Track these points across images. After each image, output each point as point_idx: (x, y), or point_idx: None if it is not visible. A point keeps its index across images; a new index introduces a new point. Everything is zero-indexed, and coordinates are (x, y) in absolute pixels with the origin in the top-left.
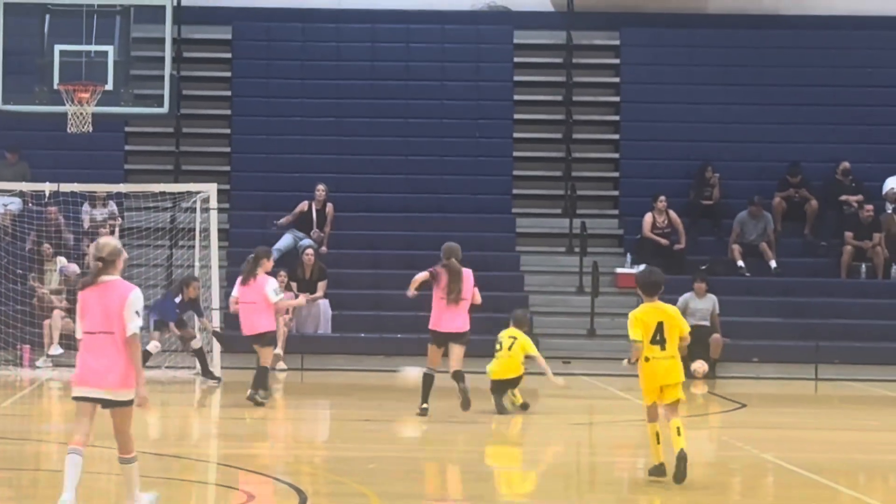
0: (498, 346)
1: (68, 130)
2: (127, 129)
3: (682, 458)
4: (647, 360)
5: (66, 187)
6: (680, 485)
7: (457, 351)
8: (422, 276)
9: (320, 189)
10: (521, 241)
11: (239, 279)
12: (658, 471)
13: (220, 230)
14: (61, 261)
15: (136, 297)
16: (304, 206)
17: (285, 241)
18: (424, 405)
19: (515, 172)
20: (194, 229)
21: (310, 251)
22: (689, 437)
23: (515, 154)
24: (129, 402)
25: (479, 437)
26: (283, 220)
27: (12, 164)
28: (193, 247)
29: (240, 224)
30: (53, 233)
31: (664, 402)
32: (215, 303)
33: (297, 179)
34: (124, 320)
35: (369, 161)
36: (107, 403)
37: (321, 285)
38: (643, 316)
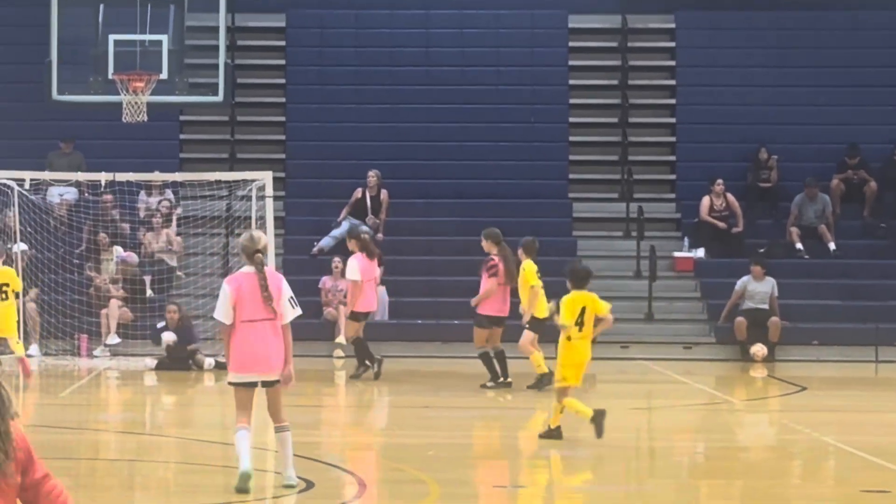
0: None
1: (123, 120)
2: (182, 117)
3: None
4: (569, 339)
5: (121, 176)
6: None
7: (500, 333)
8: (491, 284)
9: (372, 175)
10: (578, 225)
11: (360, 257)
12: (556, 433)
13: (275, 218)
14: (118, 250)
15: (287, 285)
16: (358, 193)
17: (342, 228)
18: (508, 379)
19: (571, 157)
20: (250, 217)
21: (366, 237)
22: (749, 421)
23: (571, 139)
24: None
25: (536, 423)
26: (341, 216)
27: (67, 153)
28: None
29: (295, 212)
30: (109, 222)
31: (576, 383)
32: None
33: (352, 166)
34: (282, 308)
35: (424, 147)
36: (270, 384)
37: (378, 272)
38: (571, 302)
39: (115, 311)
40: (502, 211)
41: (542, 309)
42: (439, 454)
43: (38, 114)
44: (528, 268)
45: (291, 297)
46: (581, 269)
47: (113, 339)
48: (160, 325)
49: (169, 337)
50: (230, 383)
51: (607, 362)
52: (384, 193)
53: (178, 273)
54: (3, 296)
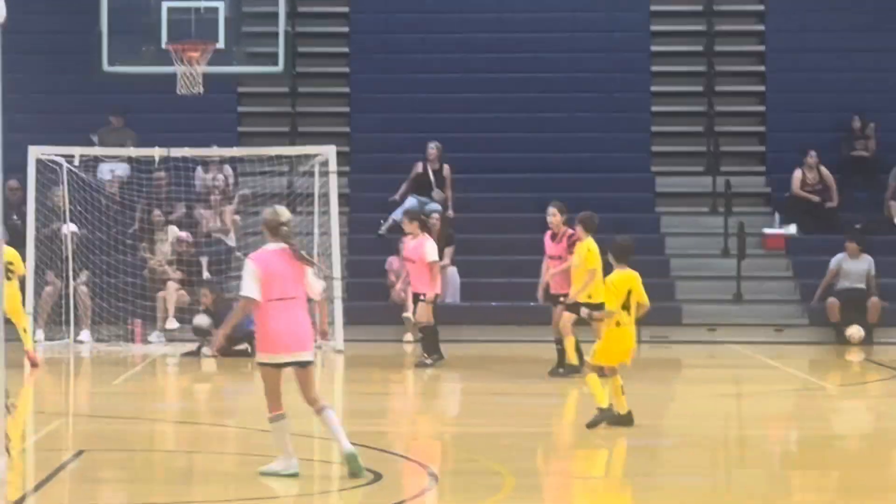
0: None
1: (178, 92)
2: (240, 89)
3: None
4: (618, 324)
5: (176, 152)
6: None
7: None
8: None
9: (432, 148)
10: (661, 201)
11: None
12: (627, 419)
13: (339, 195)
14: (173, 230)
15: None
16: (418, 167)
17: (409, 204)
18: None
19: (654, 128)
20: (313, 194)
21: (436, 216)
22: (844, 407)
23: (653, 109)
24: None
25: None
26: (400, 191)
27: (117, 128)
28: (312, 213)
29: (360, 188)
30: (164, 200)
31: (618, 363)
32: (337, 272)
33: (421, 139)
34: (308, 284)
35: (497, 119)
36: (302, 364)
37: (448, 251)
38: (615, 285)
39: (172, 294)
40: (580, 185)
41: (598, 293)
42: (514, 443)
43: (88, 86)
44: (592, 248)
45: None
46: (625, 242)
47: (172, 324)
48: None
49: (202, 320)
50: (260, 363)
51: (694, 346)
52: (446, 168)
53: (237, 254)
54: (9, 275)
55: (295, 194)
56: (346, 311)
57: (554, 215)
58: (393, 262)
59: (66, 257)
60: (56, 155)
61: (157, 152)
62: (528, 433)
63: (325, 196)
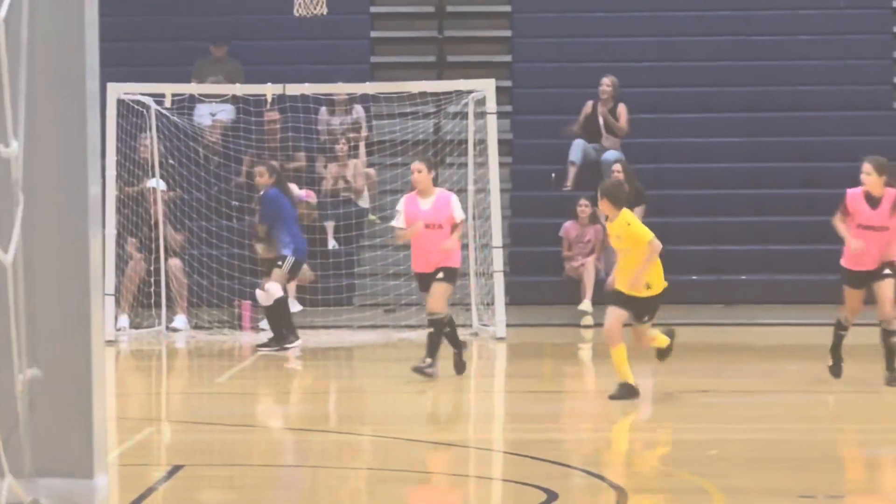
0: None
1: (295, 13)
2: (373, 9)
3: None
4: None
5: (293, 89)
6: None
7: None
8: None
9: (605, 83)
10: None
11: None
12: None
13: (500, 141)
14: (292, 188)
15: None
16: (587, 107)
17: (576, 151)
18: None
19: None
20: (465, 141)
21: (618, 166)
22: None
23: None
24: None
25: (857, 411)
26: (574, 128)
27: (220, 59)
28: (465, 164)
29: (526, 133)
30: (278, 150)
31: None
32: (496, 239)
33: (599, 70)
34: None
35: (699, 44)
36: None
37: (638, 212)
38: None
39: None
40: (807, 127)
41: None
42: (724, 454)
43: (182, 8)
44: (632, 220)
45: None
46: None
47: (294, 307)
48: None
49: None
50: None
51: None
52: (621, 107)
53: (371, 217)
54: None
55: (443, 141)
56: (509, 289)
57: (869, 173)
58: (569, 228)
59: (156, 223)
60: (142, 94)
61: (269, 90)
62: (741, 440)
63: (481, 143)
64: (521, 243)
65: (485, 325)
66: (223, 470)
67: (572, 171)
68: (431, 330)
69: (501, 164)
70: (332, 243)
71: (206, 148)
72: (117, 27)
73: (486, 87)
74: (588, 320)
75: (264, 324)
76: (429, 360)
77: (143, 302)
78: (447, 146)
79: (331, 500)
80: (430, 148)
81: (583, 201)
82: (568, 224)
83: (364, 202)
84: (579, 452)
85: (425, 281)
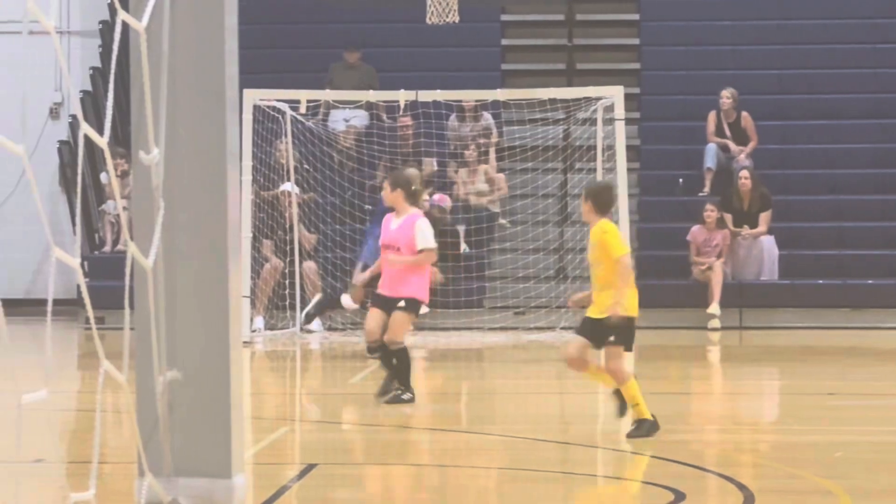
0: None
1: (427, 21)
2: (504, 16)
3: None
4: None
5: (425, 95)
6: None
7: None
8: None
9: (725, 96)
10: None
11: None
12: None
13: (627, 147)
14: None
15: None
16: (711, 117)
17: (710, 157)
18: None
19: None
20: (594, 147)
21: (745, 173)
22: None
23: None
24: None
25: None
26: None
27: (354, 65)
28: (594, 170)
29: (653, 139)
30: (412, 156)
31: None
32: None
33: (726, 78)
34: None
35: (825, 52)
36: None
37: (763, 217)
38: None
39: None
40: None
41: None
42: (850, 455)
43: (317, 15)
44: (611, 230)
45: None
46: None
47: (422, 309)
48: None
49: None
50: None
51: None
52: (745, 115)
53: (502, 221)
54: None
55: (572, 147)
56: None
57: None
58: (696, 232)
59: (290, 226)
60: (278, 100)
61: (402, 96)
62: (868, 442)
63: (609, 149)
64: (648, 247)
65: None
66: (355, 469)
67: (708, 177)
68: (395, 361)
69: (629, 170)
70: (463, 247)
71: (340, 153)
72: (254, 34)
73: (614, 94)
74: (715, 323)
75: (315, 325)
76: (402, 388)
77: (277, 304)
78: (576, 152)
79: (461, 499)
80: (560, 154)
81: (710, 206)
82: (695, 229)
83: (495, 207)
84: (706, 453)
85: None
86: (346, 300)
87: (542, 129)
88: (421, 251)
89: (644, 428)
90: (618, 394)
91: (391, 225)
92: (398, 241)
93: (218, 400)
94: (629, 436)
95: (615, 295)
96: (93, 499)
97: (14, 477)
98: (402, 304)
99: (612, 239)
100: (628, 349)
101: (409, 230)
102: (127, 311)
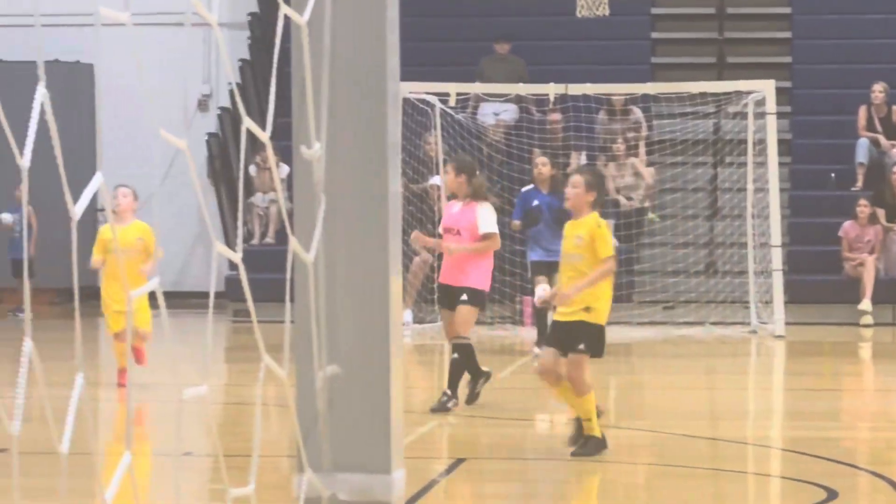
0: None
1: (577, 14)
2: (654, 10)
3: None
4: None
5: (575, 89)
6: None
7: None
8: None
9: (877, 90)
10: None
11: None
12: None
13: (779, 141)
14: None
15: None
16: (862, 111)
17: (862, 152)
18: None
19: None
20: (745, 141)
21: None
22: None
23: None
24: None
25: None
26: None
27: (504, 58)
28: (744, 164)
29: (805, 133)
30: (560, 149)
31: None
32: (775, 238)
33: (878, 72)
34: None
35: None
36: None
37: None
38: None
39: None
40: None
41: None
42: None
43: (467, 9)
44: (605, 226)
45: None
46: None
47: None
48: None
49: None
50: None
51: None
52: None
53: (651, 215)
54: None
55: (723, 141)
56: (787, 287)
57: None
58: (848, 228)
59: (439, 220)
60: (427, 93)
61: (552, 89)
62: None
63: (760, 143)
64: (799, 242)
65: (763, 322)
66: (504, 464)
67: (861, 172)
68: (456, 356)
69: (781, 164)
70: (613, 240)
71: (489, 146)
72: (404, 27)
73: (765, 88)
74: (868, 319)
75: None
76: (448, 393)
77: (426, 297)
78: (726, 146)
79: (610, 494)
80: (710, 148)
81: (862, 201)
82: (847, 224)
83: (643, 201)
84: (858, 451)
85: (447, 295)
86: (540, 291)
87: (692, 123)
88: (484, 236)
89: (591, 445)
90: (578, 422)
91: (452, 209)
92: (459, 223)
93: (378, 395)
94: (574, 454)
95: (584, 284)
96: (252, 494)
97: (167, 470)
98: (464, 297)
99: (606, 236)
100: (597, 356)
101: (471, 214)
102: (287, 304)
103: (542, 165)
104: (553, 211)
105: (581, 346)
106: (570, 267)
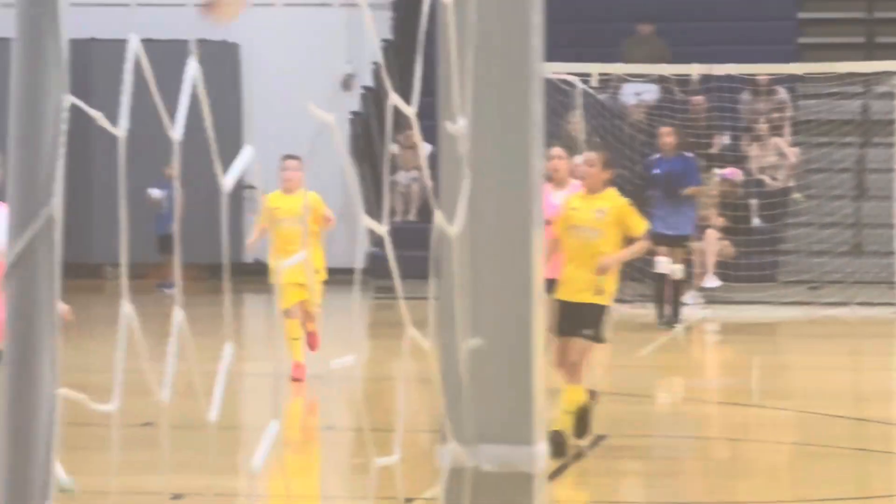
0: None
1: None
2: None
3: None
4: None
5: (718, 69)
6: None
7: None
8: None
9: None
10: None
11: None
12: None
13: None
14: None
15: None
16: None
17: None
18: None
19: None
20: (893, 121)
21: None
22: None
23: None
24: None
25: None
26: None
27: (646, 39)
28: (892, 144)
29: None
30: (703, 130)
31: None
32: None
33: None
34: None
35: None
36: None
37: None
38: None
39: (713, 245)
40: None
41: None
42: None
43: None
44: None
45: None
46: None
47: (712, 282)
48: None
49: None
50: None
51: None
52: None
53: (795, 195)
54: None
55: (870, 122)
56: None
57: None
58: None
59: None
60: (568, 74)
61: (695, 69)
62: None
63: None
64: None
65: None
66: (643, 440)
67: None
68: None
69: None
70: (754, 220)
71: (630, 126)
72: (547, 9)
73: None
74: None
75: (687, 298)
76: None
77: None
78: (874, 126)
79: (750, 473)
80: (857, 128)
81: None
82: None
83: (787, 181)
84: None
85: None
86: (664, 264)
87: (838, 104)
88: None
89: (555, 441)
90: (582, 410)
91: (553, 198)
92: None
93: (521, 368)
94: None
95: (616, 257)
96: (398, 463)
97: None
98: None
99: (635, 213)
100: (601, 342)
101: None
102: (432, 279)
103: (667, 135)
104: (674, 177)
105: (587, 332)
106: (581, 245)
